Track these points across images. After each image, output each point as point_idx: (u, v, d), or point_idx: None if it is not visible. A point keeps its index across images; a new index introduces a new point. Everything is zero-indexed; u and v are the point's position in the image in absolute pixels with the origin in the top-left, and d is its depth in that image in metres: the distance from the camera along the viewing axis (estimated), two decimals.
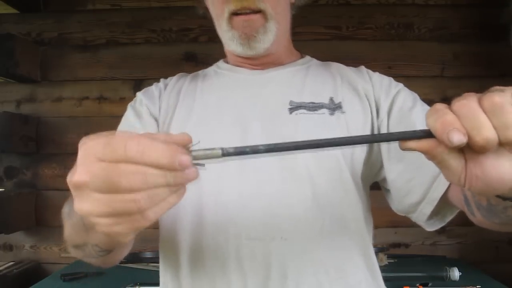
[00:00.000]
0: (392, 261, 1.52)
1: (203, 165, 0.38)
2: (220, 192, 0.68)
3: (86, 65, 1.76)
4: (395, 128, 0.70)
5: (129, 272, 1.46)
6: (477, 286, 1.27)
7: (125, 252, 0.63)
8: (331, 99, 0.73)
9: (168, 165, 0.34)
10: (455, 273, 1.33)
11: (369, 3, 1.74)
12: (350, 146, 0.70)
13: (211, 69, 0.85)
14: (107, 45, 1.77)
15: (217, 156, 0.37)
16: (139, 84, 1.75)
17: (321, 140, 0.38)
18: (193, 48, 1.75)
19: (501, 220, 0.48)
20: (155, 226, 0.39)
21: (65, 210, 0.60)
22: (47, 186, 1.74)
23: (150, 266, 1.51)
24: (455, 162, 0.36)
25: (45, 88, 1.77)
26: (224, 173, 0.68)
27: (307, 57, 0.84)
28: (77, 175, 0.36)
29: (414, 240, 1.70)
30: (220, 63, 0.85)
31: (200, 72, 0.85)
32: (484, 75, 1.70)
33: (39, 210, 1.73)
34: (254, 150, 0.38)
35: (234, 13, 0.71)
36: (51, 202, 1.72)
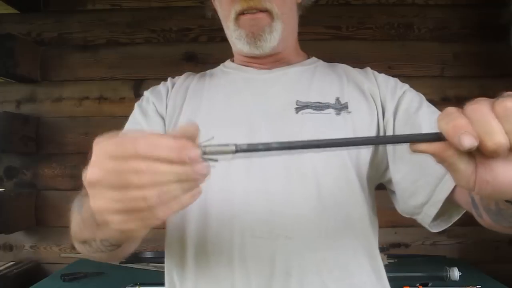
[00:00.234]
0: (392, 261, 1.53)
1: (216, 160, 0.38)
2: (226, 190, 0.68)
3: (86, 65, 1.76)
4: (401, 128, 0.70)
5: (129, 272, 1.46)
6: (477, 286, 1.27)
7: (133, 247, 0.63)
8: (338, 99, 0.73)
9: (178, 159, 0.35)
10: (455, 273, 1.33)
11: (369, 3, 1.74)
12: (363, 146, 0.70)
13: (218, 69, 0.86)
14: (107, 45, 1.77)
15: (230, 152, 0.38)
16: (139, 84, 1.75)
17: (334, 139, 0.38)
18: (193, 48, 1.75)
19: (510, 224, 0.48)
20: (157, 226, 0.39)
21: (74, 205, 0.61)
22: (47, 186, 1.74)
23: (150, 266, 1.51)
24: (465, 166, 0.36)
25: (45, 88, 1.77)
26: (230, 170, 0.68)
27: (314, 58, 0.84)
28: (90, 173, 0.37)
29: (414, 240, 1.70)
30: (227, 62, 0.85)
31: (207, 71, 0.86)
32: (484, 75, 1.70)
33: (39, 210, 1.72)
34: (267, 148, 0.38)
35: (241, 13, 0.72)
36: (51, 202, 1.72)
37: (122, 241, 0.55)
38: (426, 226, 0.68)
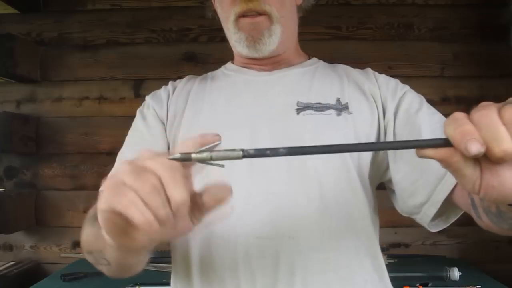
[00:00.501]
0: (392, 261, 1.53)
1: (222, 165, 0.39)
2: None
3: (86, 65, 1.76)
4: (401, 129, 0.70)
5: None
6: (477, 286, 1.27)
7: (135, 266, 0.61)
8: (338, 100, 0.74)
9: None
10: (455, 273, 1.33)
11: (369, 3, 1.74)
12: (369, 151, 0.71)
13: (219, 71, 0.86)
14: (107, 45, 1.77)
15: (237, 157, 0.38)
16: (139, 84, 1.75)
17: (341, 145, 0.39)
18: (193, 48, 1.75)
19: (509, 227, 0.48)
20: None
21: (89, 217, 0.62)
22: (47, 186, 1.73)
23: (150, 266, 1.50)
24: (471, 171, 0.36)
25: (45, 88, 1.77)
26: (233, 172, 0.68)
27: (314, 59, 0.85)
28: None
29: (414, 240, 1.70)
30: (228, 64, 0.86)
31: (209, 74, 0.86)
32: (484, 75, 1.70)
33: (39, 210, 1.72)
34: (274, 153, 0.38)
35: (241, 15, 0.73)
36: (51, 202, 1.72)
37: (115, 259, 0.54)
38: (425, 225, 0.69)
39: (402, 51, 1.72)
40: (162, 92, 0.82)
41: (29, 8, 1.73)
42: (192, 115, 0.76)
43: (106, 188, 0.38)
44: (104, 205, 0.38)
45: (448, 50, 1.72)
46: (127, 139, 0.78)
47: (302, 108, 0.73)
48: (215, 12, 0.82)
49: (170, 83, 0.84)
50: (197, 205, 0.41)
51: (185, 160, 0.38)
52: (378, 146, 0.61)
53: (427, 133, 0.66)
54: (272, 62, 0.79)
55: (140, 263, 0.60)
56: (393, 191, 0.73)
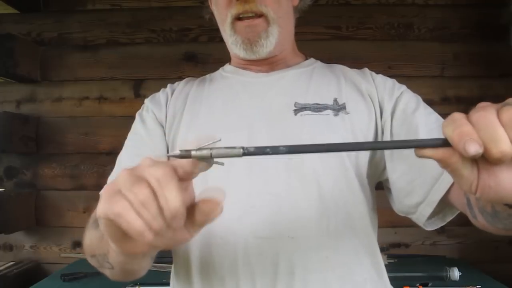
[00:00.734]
0: (392, 261, 1.53)
1: (222, 163, 0.39)
2: (228, 192, 0.68)
3: (86, 65, 1.76)
4: (398, 129, 0.71)
5: None
6: (477, 286, 1.27)
7: (131, 276, 0.61)
8: (335, 100, 0.74)
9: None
10: (455, 273, 1.33)
11: (369, 3, 1.74)
12: (368, 151, 0.71)
13: (217, 73, 0.86)
14: (107, 45, 1.77)
15: (237, 155, 0.38)
16: (139, 84, 1.75)
17: (340, 143, 0.39)
18: (193, 48, 1.75)
19: (504, 226, 0.48)
20: None
21: (92, 220, 0.62)
22: (47, 186, 1.73)
23: (151, 266, 1.50)
24: (469, 171, 0.36)
25: (45, 88, 1.77)
26: (232, 173, 0.68)
27: (312, 59, 0.85)
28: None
29: (414, 240, 1.70)
30: (226, 66, 0.86)
31: (207, 76, 0.87)
32: (484, 75, 1.70)
33: (39, 210, 1.72)
34: (274, 151, 0.38)
35: (237, 18, 0.73)
36: (51, 202, 1.72)
37: (118, 261, 0.54)
38: (421, 225, 0.69)
39: (402, 51, 1.72)
40: (161, 95, 0.82)
41: (29, 8, 1.73)
42: (190, 118, 0.76)
43: (103, 194, 0.38)
44: (99, 212, 0.38)
45: (448, 50, 1.72)
46: (126, 142, 0.78)
47: (299, 109, 0.73)
48: (212, 14, 0.83)
49: (168, 85, 0.84)
50: (193, 217, 0.41)
51: (185, 157, 0.38)
52: (377, 146, 0.62)
53: (424, 133, 0.66)
54: (269, 63, 0.79)
55: (143, 268, 0.60)
56: (389, 191, 0.74)
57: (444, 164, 0.37)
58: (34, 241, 1.73)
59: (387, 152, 0.71)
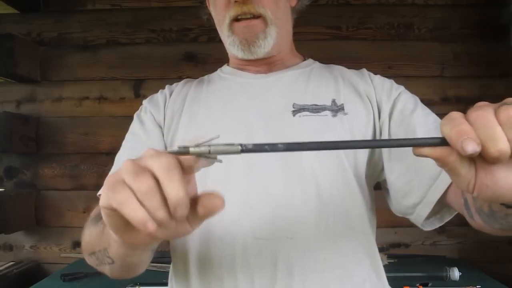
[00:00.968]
0: (392, 261, 1.53)
1: (220, 161, 0.38)
2: (227, 193, 0.68)
3: (86, 65, 1.76)
4: (396, 129, 0.71)
5: None
6: (477, 286, 1.27)
7: (131, 271, 0.61)
8: (334, 101, 0.74)
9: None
10: (455, 273, 1.33)
11: (369, 3, 1.74)
12: (366, 149, 0.71)
13: (215, 74, 0.86)
14: (107, 45, 1.77)
15: (236, 152, 0.38)
16: (139, 84, 1.75)
17: (339, 141, 0.39)
18: (193, 48, 1.75)
19: (501, 226, 0.48)
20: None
21: (91, 218, 0.62)
22: (47, 186, 1.73)
23: (150, 266, 1.50)
24: (466, 170, 0.36)
25: (45, 88, 1.77)
26: (230, 173, 0.68)
27: (310, 60, 0.85)
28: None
29: (414, 240, 1.70)
30: (224, 67, 0.86)
31: (205, 77, 0.87)
32: (484, 75, 1.70)
33: (39, 210, 1.72)
34: (273, 148, 0.38)
35: (235, 19, 0.73)
36: (51, 202, 1.72)
37: (119, 255, 0.54)
38: (419, 225, 0.69)
39: (402, 51, 1.72)
40: (159, 96, 0.82)
41: (29, 8, 1.73)
42: (188, 119, 0.76)
43: (106, 184, 0.38)
44: (102, 201, 0.38)
45: (448, 50, 1.72)
46: (124, 142, 0.78)
47: (298, 109, 0.73)
48: (210, 15, 0.83)
49: (167, 87, 0.84)
50: (195, 210, 0.41)
51: (183, 153, 0.38)
52: (375, 144, 0.62)
53: (422, 134, 0.66)
54: (267, 64, 0.79)
55: (143, 262, 0.60)
56: (387, 191, 0.74)
57: (441, 163, 0.37)
58: (34, 241, 1.73)
59: (385, 153, 0.71)
